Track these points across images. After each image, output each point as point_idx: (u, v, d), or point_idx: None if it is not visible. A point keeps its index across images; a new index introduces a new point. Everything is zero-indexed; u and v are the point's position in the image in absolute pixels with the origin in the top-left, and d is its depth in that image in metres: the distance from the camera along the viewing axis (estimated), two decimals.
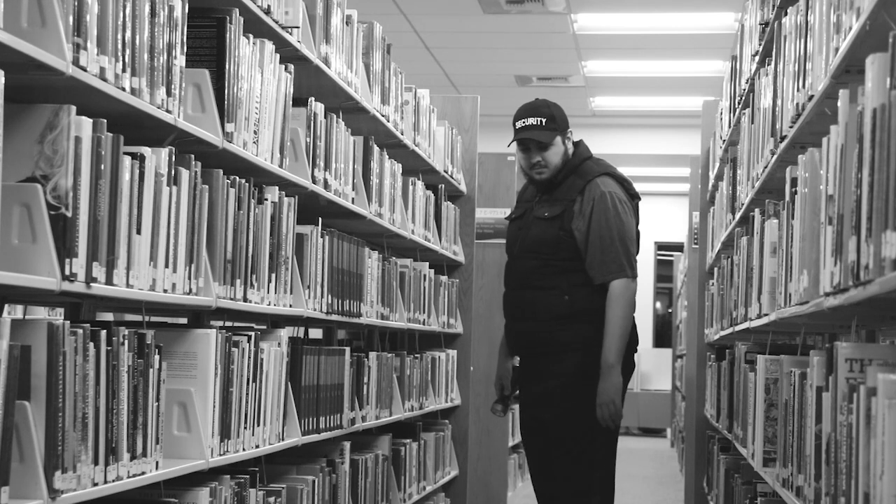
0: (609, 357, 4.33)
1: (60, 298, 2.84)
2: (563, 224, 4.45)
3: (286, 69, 3.65)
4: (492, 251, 7.41)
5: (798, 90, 3.20)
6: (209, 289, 3.05)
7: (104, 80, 2.48)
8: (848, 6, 2.50)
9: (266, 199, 3.50)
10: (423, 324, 5.93)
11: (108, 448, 2.50)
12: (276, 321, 3.80)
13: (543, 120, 4.49)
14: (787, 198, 3.23)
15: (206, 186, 3.04)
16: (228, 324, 3.70)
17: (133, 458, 2.63)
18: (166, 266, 2.80)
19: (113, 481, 2.52)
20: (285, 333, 3.66)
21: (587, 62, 11.59)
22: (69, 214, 2.33)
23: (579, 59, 11.42)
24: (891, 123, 1.93)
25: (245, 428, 3.29)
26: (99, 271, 2.45)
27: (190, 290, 2.94)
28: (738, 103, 5.25)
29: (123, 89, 2.57)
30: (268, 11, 3.43)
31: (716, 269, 6.42)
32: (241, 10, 3.24)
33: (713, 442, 6.31)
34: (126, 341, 2.58)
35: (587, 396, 4.35)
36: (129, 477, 2.60)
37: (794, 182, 3.13)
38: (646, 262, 17.05)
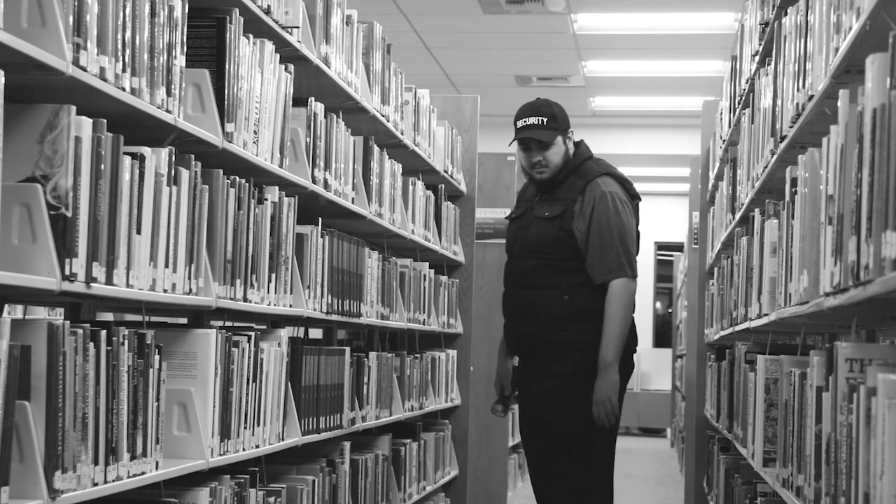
0: (607, 355, 4.33)
1: (60, 298, 2.84)
2: (564, 224, 4.45)
3: (286, 69, 3.65)
4: (492, 251, 7.41)
5: (798, 90, 3.20)
6: (209, 289, 3.05)
7: (104, 80, 2.48)
8: (848, 6, 2.50)
9: (266, 199, 3.50)
10: (423, 324, 5.93)
11: (108, 448, 2.50)
12: (276, 321, 3.80)
13: (545, 119, 4.49)
14: (787, 198, 3.23)
15: (206, 186, 3.04)
16: (228, 324, 3.70)
17: (133, 458, 2.63)
18: (166, 266, 2.80)
19: (113, 481, 2.52)
20: (285, 333, 3.66)
21: (587, 62, 11.59)
22: (69, 214, 2.33)
23: (579, 59, 11.42)
24: (891, 123, 1.93)
25: (245, 428, 3.29)
26: (99, 271, 2.45)
27: (190, 290, 2.94)
28: (738, 103, 5.26)
29: (123, 89, 2.57)
30: (268, 11, 3.43)
31: (716, 269, 6.42)
32: (241, 10, 3.24)
33: (713, 442, 6.31)
34: (126, 341, 2.58)
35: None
36: (129, 477, 2.60)
37: (794, 182, 3.13)
38: (646, 262, 17.05)
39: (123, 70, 2.57)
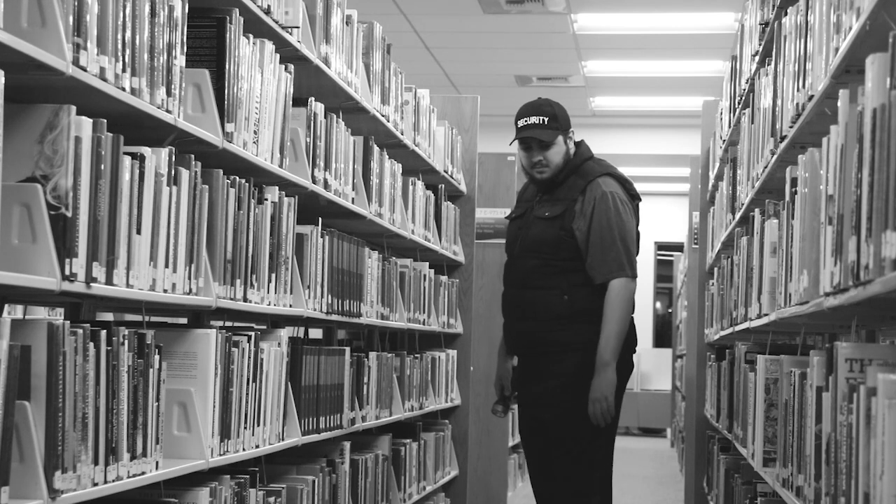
0: (605, 354, 4.33)
1: (60, 298, 2.84)
2: (564, 224, 4.45)
3: (286, 69, 3.65)
4: (492, 251, 7.41)
5: (798, 90, 3.20)
6: (209, 289, 3.05)
7: (104, 80, 2.48)
8: (848, 6, 2.50)
9: (266, 199, 3.50)
10: (423, 324, 5.93)
11: (108, 448, 2.50)
12: (276, 321, 3.80)
13: (546, 119, 4.49)
14: (787, 198, 3.23)
15: (206, 186, 3.04)
16: (228, 324, 3.70)
17: (133, 458, 2.63)
18: (166, 266, 2.80)
19: (113, 481, 2.52)
20: (285, 333, 3.66)
21: (587, 62, 11.59)
22: (69, 214, 2.33)
23: (579, 59, 11.42)
24: (891, 123, 1.93)
25: (245, 428, 3.29)
26: (99, 271, 2.45)
27: (190, 290, 2.94)
28: (738, 103, 5.26)
29: (123, 89, 2.57)
30: (268, 11, 3.43)
31: (716, 269, 6.42)
32: (241, 10, 3.24)
33: (713, 442, 6.31)
34: (126, 341, 2.58)
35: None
36: (129, 477, 2.60)
37: (794, 182, 3.13)
38: (646, 262, 17.05)
39: (123, 70, 2.57)
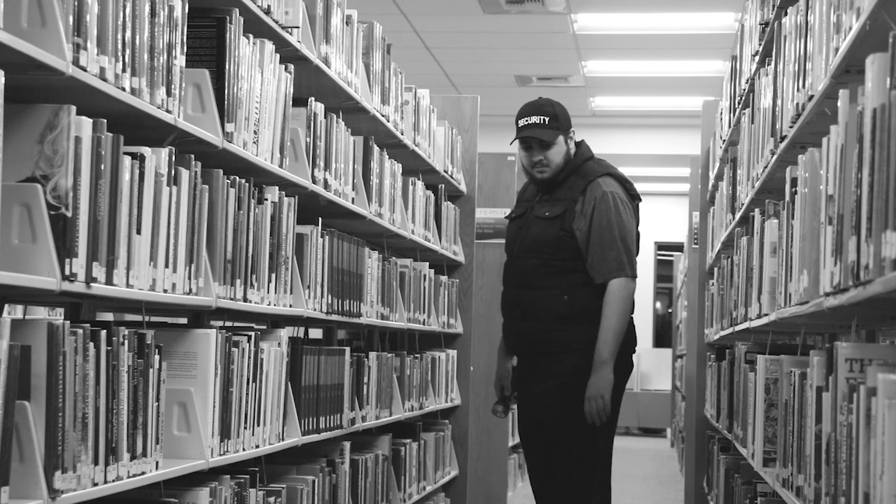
0: (602, 353, 4.33)
1: (60, 298, 2.84)
2: (564, 224, 4.45)
3: (286, 69, 3.65)
4: (492, 251, 7.41)
5: (798, 90, 3.20)
6: (209, 289, 3.04)
7: (104, 80, 2.48)
8: (848, 6, 2.50)
9: (266, 199, 3.50)
10: (423, 324, 5.93)
11: (108, 448, 2.50)
12: (276, 321, 3.80)
13: (546, 119, 4.49)
14: (787, 198, 3.23)
15: (206, 186, 3.04)
16: (228, 324, 3.70)
17: (133, 458, 2.63)
18: (166, 266, 2.80)
19: (113, 481, 2.52)
20: (285, 333, 3.66)
21: (587, 62, 11.59)
22: (69, 214, 2.33)
23: (579, 59, 11.42)
24: (891, 123, 1.93)
25: (245, 428, 3.29)
26: (99, 271, 2.45)
27: (190, 290, 2.94)
28: (738, 103, 5.26)
29: (123, 89, 2.57)
30: (268, 11, 3.43)
31: (716, 269, 6.42)
32: (241, 10, 3.24)
33: (713, 442, 6.31)
34: (126, 341, 2.58)
35: None
36: (129, 477, 2.60)
37: (794, 182, 3.13)
38: (646, 262, 17.05)
39: (123, 70, 2.57)
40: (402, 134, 5.28)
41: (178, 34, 2.86)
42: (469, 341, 6.85)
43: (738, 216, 5.06)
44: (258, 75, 3.41)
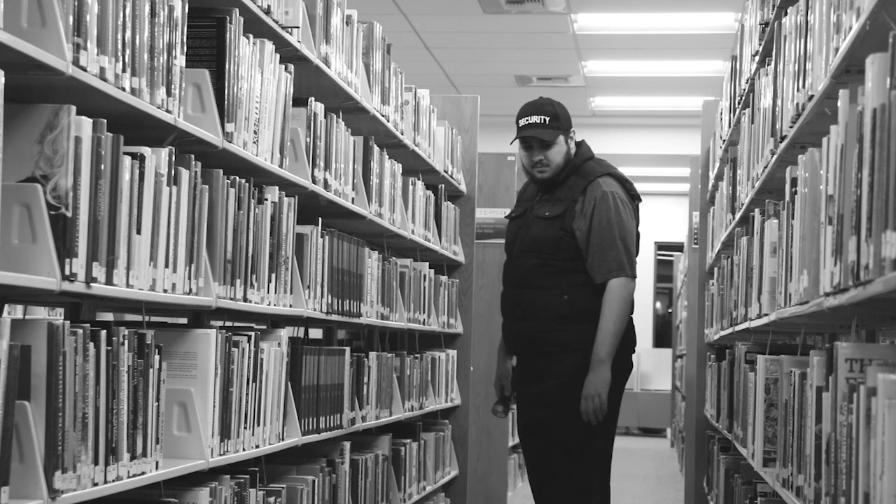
0: (600, 352, 4.33)
1: (60, 298, 2.84)
2: (564, 224, 4.45)
3: (286, 69, 3.65)
4: (492, 251, 7.41)
5: (798, 90, 3.20)
6: (209, 289, 3.05)
7: (104, 80, 2.48)
8: (848, 6, 2.50)
9: (266, 199, 3.50)
10: (423, 324, 5.93)
11: (108, 448, 2.50)
12: (276, 321, 3.80)
13: (547, 118, 4.50)
14: (787, 198, 3.23)
15: (206, 186, 3.04)
16: (228, 324, 3.70)
17: (133, 458, 2.63)
18: (166, 266, 2.80)
19: (113, 481, 2.52)
20: (285, 333, 3.66)
21: (587, 62, 11.60)
22: (69, 214, 2.33)
23: (579, 59, 11.42)
24: (891, 123, 1.93)
25: (245, 428, 3.29)
26: (99, 271, 2.45)
27: (190, 290, 2.94)
28: (738, 103, 5.26)
29: (123, 89, 2.57)
30: (268, 11, 3.43)
31: (716, 269, 6.42)
32: (241, 10, 3.24)
33: (713, 442, 6.31)
34: (126, 341, 2.58)
35: None
36: (129, 477, 2.60)
37: (794, 182, 3.13)
38: (646, 262, 17.05)
39: (123, 70, 2.57)
40: (402, 134, 5.28)
41: (178, 34, 2.86)
42: (469, 341, 6.85)
43: (738, 216, 5.06)
44: (258, 75, 3.41)
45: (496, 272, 6.84)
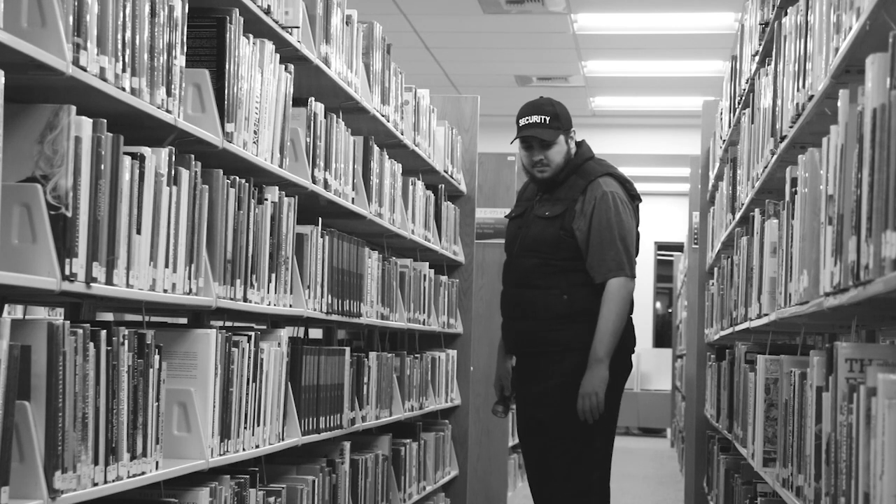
0: (598, 351, 4.33)
1: (60, 298, 2.84)
2: (564, 223, 4.45)
3: (286, 69, 3.65)
4: (492, 251, 7.41)
5: (798, 90, 3.20)
6: (209, 289, 3.05)
7: (104, 80, 2.48)
8: (848, 6, 2.50)
9: (266, 199, 3.50)
10: (423, 324, 5.93)
11: (108, 448, 2.50)
12: (276, 321, 3.80)
13: (547, 118, 4.50)
14: (787, 198, 3.23)
15: (206, 186, 3.04)
16: (228, 324, 3.70)
17: (133, 458, 2.63)
18: (166, 266, 2.80)
19: (113, 481, 2.52)
20: (285, 333, 3.66)
21: (587, 62, 11.60)
22: (69, 214, 2.33)
23: (579, 59, 11.42)
24: (891, 123, 1.93)
25: (245, 428, 3.29)
26: (99, 271, 2.45)
27: (190, 290, 2.94)
28: (738, 103, 5.26)
29: (123, 89, 2.57)
30: (268, 11, 3.43)
31: (716, 269, 6.42)
32: (241, 10, 3.24)
33: (713, 442, 6.31)
34: (126, 341, 2.58)
35: None
36: (129, 477, 2.60)
37: (794, 182, 3.13)
38: (646, 262, 17.05)
39: (123, 70, 2.57)
40: (402, 134, 5.28)
41: (178, 34, 2.86)
42: (469, 341, 6.85)
43: (738, 216, 5.06)
44: (258, 75, 3.41)
45: (496, 272, 6.84)
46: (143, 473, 2.67)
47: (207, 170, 3.07)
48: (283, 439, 3.64)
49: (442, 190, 6.27)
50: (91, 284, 2.42)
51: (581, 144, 4.61)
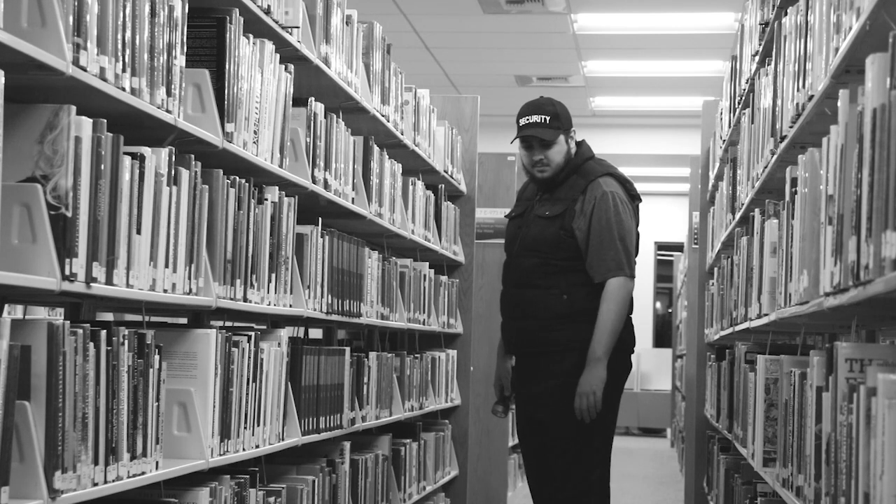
0: (597, 350, 4.33)
1: (60, 298, 2.84)
2: (564, 223, 4.45)
3: (286, 69, 3.65)
4: (492, 251, 7.41)
5: (798, 90, 3.20)
6: (209, 289, 3.05)
7: (104, 80, 2.48)
8: (848, 6, 2.50)
9: (266, 199, 3.50)
10: (423, 324, 5.93)
11: (108, 448, 2.50)
12: (276, 321, 3.80)
13: (547, 118, 4.50)
14: (787, 198, 3.23)
15: (206, 186, 3.04)
16: (228, 324, 3.70)
17: (133, 458, 2.63)
18: (166, 266, 2.80)
19: (113, 481, 2.52)
20: (285, 333, 3.66)
21: (587, 62, 11.60)
22: (69, 214, 2.33)
23: (579, 59, 11.42)
24: (891, 123, 1.93)
25: (245, 428, 3.29)
26: (99, 271, 2.45)
27: (190, 290, 2.94)
28: (738, 103, 5.26)
29: (123, 89, 2.57)
30: (268, 11, 3.43)
31: (716, 269, 6.42)
32: (241, 10, 3.24)
33: (713, 442, 6.31)
34: (126, 341, 2.58)
35: None
36: (129, 477, 2.60)
37: (794, 182, 3.13)
38: (646, 262, 17.05)
39: (123, 70, 2.57)
40: (402, 134, 5.28)
41: (178, 34, 2.86)
42: (469, 341, 6.85)
43: (738, 216, 5.06)
44: (258, 75, 3.41)
45: (496, 272, 6.84)
46: (143, 473, 2.67)
47: (207, 170, 3.07)
48: (283, 439, 3.64)
49: (442, 190, 6.27)
50: (91, 284, 2.42)
51: (581, 144, 4.61)
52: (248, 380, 3.32)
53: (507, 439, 7.82)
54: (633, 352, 4.56)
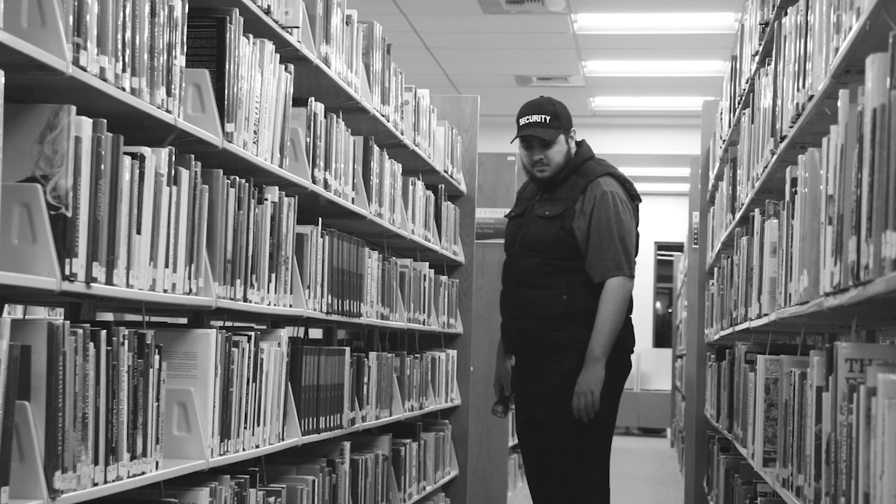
0: (595, 350, 4.33)
1: (60, 298, 2.84)
2: (564, 223, 4.45)
3: (286, 69, 3.65)
4: (492, 251, 7.41)
5: (798, 90, 3.20)
6: (209, 289, 3.05)
7: (104, 80, 2.48)
8: (848, 6, 2.50)
9: (266, 199, 3.50)
10: (423, 324, 5.93)
11: (108, 448, 2.50)
12: (276, 321, 3.80)
13: (547, 118, 4.50)
14: (787, 198, 3.24)
15: (206, 186, 3.04)
16: (228, 324, 3.70)
17: (133, 458, 2.63)
18: (166, 266, 2.80)
19: (113, 481, 2.52)
20: (285, 333, 3.66)
21: (587, 62, 11.60)
22: (69, 214, 2.33)
23: (579, 59, 11.42)
24: (891, 123, 1.93)
25: (245, 428, 3.29)
26: (99, 271, 2.45)
27: (190, 290, 2.94)
28: (738, 103, 5.26)
29: (123, 89, 2.57)
30: (268, 11, 3.43)
31: (716, 269, 6.42)
32: (241, 10, 3.24)
33: (713, 442, 6.31)
34: (126, 341, 2.58)
35: None
36: (129, 477, 2.60)
37: (794, 182, 3.13)
38: (646, 262, 17.05)
39: (123, 70, 2.57)
40: (402, 134, 5.28)
41: (178, 34, 2.86)
42: (469, 341, 6.85)
43: (738, 216, 5.06)
44: (258, 75, 3.41)
45: (496, 272, 6.83)
46: (143, 473, 2.67)
47: (207, 170, 3.07)
48: (283, 439, 3.64)
49: (442, 190, 6.27)
50: (91, 284, 2.42)
51: (581, 144, 4.61)
52: (248, 380, 3.32)
53: (507, 439, 7.82)
54: (632, 352, 4.56)
